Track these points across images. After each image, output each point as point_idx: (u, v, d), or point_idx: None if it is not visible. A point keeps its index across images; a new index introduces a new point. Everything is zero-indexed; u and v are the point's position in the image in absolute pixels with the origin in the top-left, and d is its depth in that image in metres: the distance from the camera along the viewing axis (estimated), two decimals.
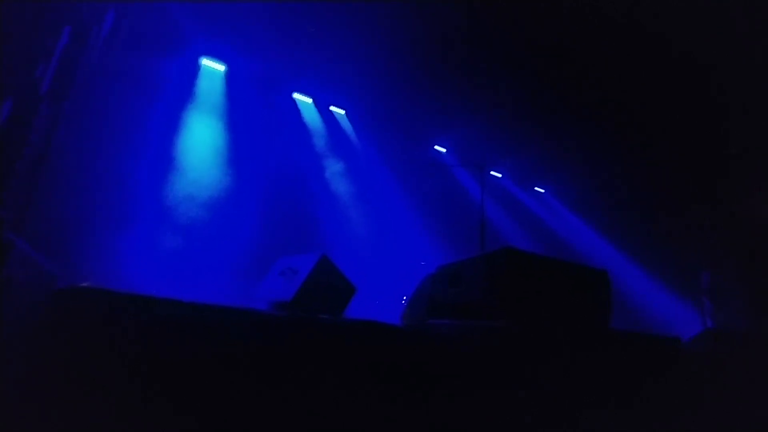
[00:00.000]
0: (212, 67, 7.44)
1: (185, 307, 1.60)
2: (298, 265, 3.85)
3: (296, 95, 8.25)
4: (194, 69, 7.24)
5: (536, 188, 10.83)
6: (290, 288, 3.70)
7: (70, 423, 1.23)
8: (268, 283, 4.17)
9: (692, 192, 9.23)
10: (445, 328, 2.97)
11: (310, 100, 8.35)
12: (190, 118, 6.90)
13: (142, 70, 6.16)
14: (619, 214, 10.04)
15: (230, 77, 7.51)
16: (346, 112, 8.70)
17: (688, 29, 5.61)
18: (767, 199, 9.48)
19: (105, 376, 1.27)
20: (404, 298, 4.83)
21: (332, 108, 8.61)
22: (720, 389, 2.62)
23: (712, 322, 7.50)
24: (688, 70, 6.39)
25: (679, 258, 9.06)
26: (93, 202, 5.57)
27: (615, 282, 3.03)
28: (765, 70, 6.13)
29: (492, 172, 10.05)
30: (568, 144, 8.66)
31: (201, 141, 6.93)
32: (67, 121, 4.29)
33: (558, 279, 2.92)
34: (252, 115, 7.59)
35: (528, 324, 2.71)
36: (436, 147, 9.52)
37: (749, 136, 7.35)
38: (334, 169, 8.42)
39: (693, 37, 5.77)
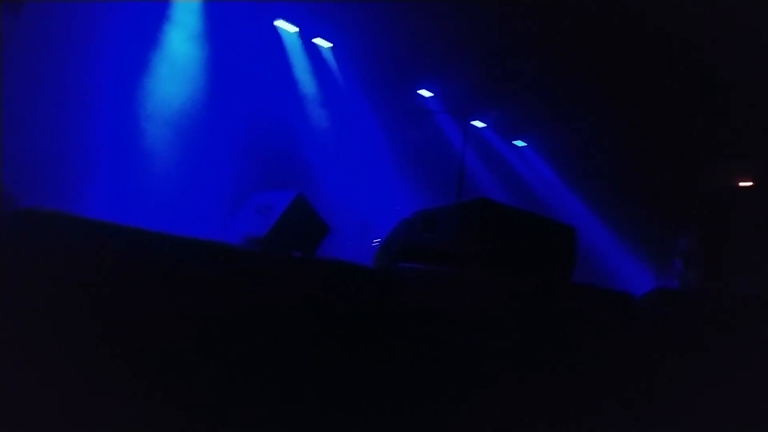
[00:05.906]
0: None
1: (151, 236, 1.57)
2: (273, 202, 3.81)
3: (281, 23, 7.79)
4: None
5: (519, 141, 10.79)
6: (264, 224, 3.69)
7: (19, 335, 1.23)
8: (242, 217, 4.14)
9: (664, 161, 9.47)
10: (416, 273, 3.04)
11: (296, 29, 7.89)
12: (164, 40, 6.44)
13: None
14: (595, 174, 10.24)
15: None
16: (332, 46, 8.29)
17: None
18: (730, 170, 9.85)
19: (60, 300, 1.26)
20: (376, 240, 4.90)
21: (319, 40, 8.18)
22: (668, 342, 2.80)
23: (679, 282, 8.03)
24: (673, 45, 6.38)
25: (645, 221, 9.43)
26: (59, 120, 5.29)
27: (582, 239, 3.13)
28: (745, 48, 6.14)
29: (477, 122, 9.91)
30: (557, 99, 8.58)
31: (176, 66, 6.53)
32: (26, 31, 3.97)
33: (528, 231, 3.00)
34: (233, 42, 7.16)
35: (496, 272, 2.80)
36: (423, 92, 9.26)
37: (724, 114, 7.53)
38: (316, 105, 8.16)
39: (675, 11, 5.71)
